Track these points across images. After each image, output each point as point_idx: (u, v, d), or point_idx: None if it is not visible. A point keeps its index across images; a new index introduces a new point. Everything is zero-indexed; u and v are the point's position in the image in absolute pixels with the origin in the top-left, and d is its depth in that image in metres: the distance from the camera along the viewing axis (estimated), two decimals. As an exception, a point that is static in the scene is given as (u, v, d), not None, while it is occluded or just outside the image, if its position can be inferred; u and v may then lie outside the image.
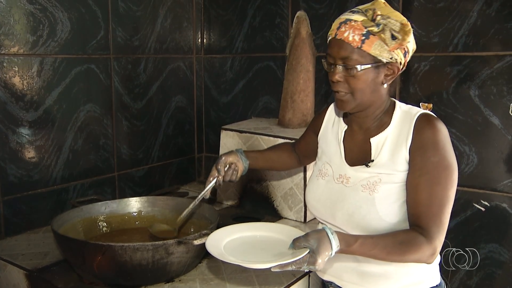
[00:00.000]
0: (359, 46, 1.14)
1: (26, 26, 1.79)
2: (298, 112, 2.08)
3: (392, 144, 1.21)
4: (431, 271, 1.27)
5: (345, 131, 1.32)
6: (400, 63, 1.19)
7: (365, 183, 1.21)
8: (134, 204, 1.74)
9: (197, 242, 1.34)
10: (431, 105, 1.93)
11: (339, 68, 1.18)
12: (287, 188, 1.97)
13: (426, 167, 1.15)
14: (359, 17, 1.15)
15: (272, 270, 1.08)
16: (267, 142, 2.00)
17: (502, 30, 1.76)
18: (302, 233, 1.16)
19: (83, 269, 1.43)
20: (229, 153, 1.45)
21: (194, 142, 2.57)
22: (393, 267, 1.23)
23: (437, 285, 1.28)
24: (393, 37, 1.14)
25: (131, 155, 2.23)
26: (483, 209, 1.88)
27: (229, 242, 1.22)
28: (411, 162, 1.17)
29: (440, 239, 1.13)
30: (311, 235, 1.09)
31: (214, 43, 2.51)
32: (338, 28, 1.17)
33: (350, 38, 1.14)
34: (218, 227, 1.45)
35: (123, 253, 1.33)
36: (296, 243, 1.11)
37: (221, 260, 1.11)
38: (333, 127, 1.37)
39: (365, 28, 1.14)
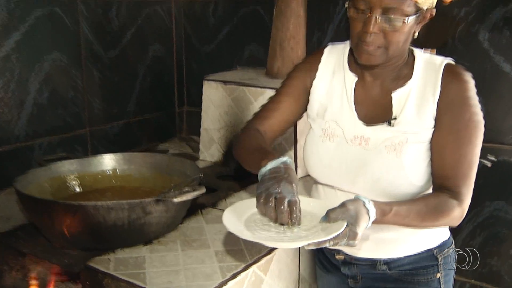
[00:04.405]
0: None
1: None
2: (288, 61, 2.04)
3: (418, 99, 1.17)
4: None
5: (354, 84, 1.24)
6: (433, 8, 1.15)
7: (389, 143, 1.17)
8: (109, 162, 1.71)
9: (177, 200, 1.33)
10: (434, 51, 1.88)
11: (379, 19, 1.09)
12: (276, 143, 1.94)
13: (455, 125, 1.13)
14: None
15: (306, 248, 1.01)
16: (254, 93, 1.97)
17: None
18: (327, 204, 1.09)
19: (51, 233, 1.41)
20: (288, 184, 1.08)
21: (174, 95, 2.54)
22: (408, 230, 1.22)
23: (449, 238, 1.32)
24: None
25: (104, 109, 2.19)
26: (489, 164, 1.87)
27: (249, 217, 1.11)
28: (438, 119, 1.15)
29: (469, 200, 1.14)
30: (349, 205, 1.02)
31: (195, -15, 2.44)
32: None
33: None
34: (199, 184, 1.44)
35: (96, 213, 1.30)
36: (331, 215, 1.02)
37: (243, 238, 1.01)
38: (334, 77, 1.27)
39: None
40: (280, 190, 1.02)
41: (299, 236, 1.02)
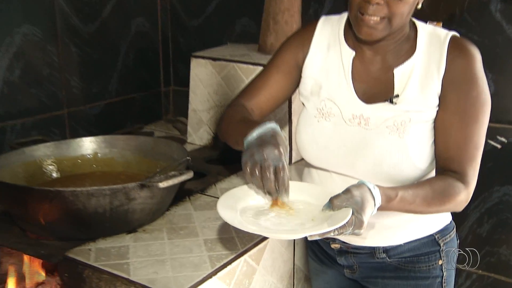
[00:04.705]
0: None
1: None
2: (282, 35, 2.00)
3: (421, 76, 1.17)
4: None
5: (352, 59, 1.23)
6: None
7: (391, 123, 1.17)
8: (89, 145, 1.71)
9: (163, 185, 1.33)
10: (440, 24, 1.87)
11: None
12: None
13: (462, 103, 1.14)
14: None
15: (309, 239, 1.01)
16: (245, 71, 1.96)
17: None
18: (328, 190, 1.09)
19: (26, 221, 1.41)
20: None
21: (160, 73, 2.52)
22: (408, 215, 1.21)
23: (450, 222, 1.33)
24: None
25: (83, 88, 2.17)
26: (499, 146, 1.87)
27: (244, 205, 1.11)
28: (443, 97, 1.16)
29: (474, 183, 1.15)
30: (354, 191, 1.02)
31: (181, -47, 2.41)
32: None
33: None
34: (187, 168, 1.45)
35: (74, 200, 1.30)
36: (335, 202, 1.02)
37: (242, 230, 1.01)
38: (329, 52, 1.26)
39: None
40: (265, 156, 1.02)
41: (302, 226, 1.03)
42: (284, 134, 1.87)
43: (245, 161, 1.04)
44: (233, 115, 1.26)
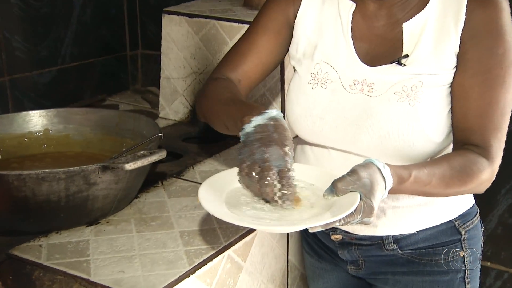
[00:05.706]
0: None
1: None
2: None
3: (436, 31, 1.18)
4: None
5: (352, 13, 1.24)
6: None
7: (399, 88, 1.18)
8: (38, 120, 1.70)
9: (130, 166, 1.33)
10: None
11: None
12: (258, 95, 1.95)
13: (485, 63, 1.14)
14: None
15: (310, 230, 1.02)
16: (228, 30, 1.97)
17: None
18: (329, 172, 1.10)
19: None
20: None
21: (125, 34, 2.53)
22: (423, 198, 1.23)
23: (473, 205, 1.35)
24: None
25: (29, 51, 2.16)
26: None
27: (232, 193, 1.11)
28: (462, 56, 1.16)
29: (500, 158, 1.16)
30: (361, 172, 1.02)
31: None
32: None
33: None
34: (159, 147, 1.45)
35: (21, 186, 1.29)
36: (339, 186, 1.02)
37: (229, 222, 1.01)
38: (324, 5, 1.28)
39: None
40: (267, 156, 1.01)
41: (300, 216, 1.03)
42: (276, 107, 1.90)
43: (242, 159, 1.02)
44: (218, 91, 1.26)
